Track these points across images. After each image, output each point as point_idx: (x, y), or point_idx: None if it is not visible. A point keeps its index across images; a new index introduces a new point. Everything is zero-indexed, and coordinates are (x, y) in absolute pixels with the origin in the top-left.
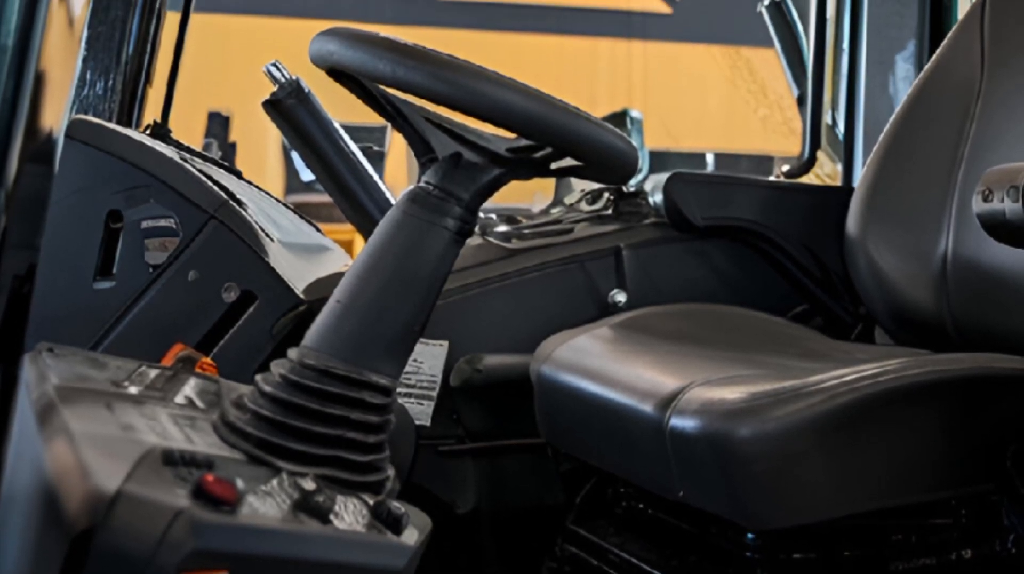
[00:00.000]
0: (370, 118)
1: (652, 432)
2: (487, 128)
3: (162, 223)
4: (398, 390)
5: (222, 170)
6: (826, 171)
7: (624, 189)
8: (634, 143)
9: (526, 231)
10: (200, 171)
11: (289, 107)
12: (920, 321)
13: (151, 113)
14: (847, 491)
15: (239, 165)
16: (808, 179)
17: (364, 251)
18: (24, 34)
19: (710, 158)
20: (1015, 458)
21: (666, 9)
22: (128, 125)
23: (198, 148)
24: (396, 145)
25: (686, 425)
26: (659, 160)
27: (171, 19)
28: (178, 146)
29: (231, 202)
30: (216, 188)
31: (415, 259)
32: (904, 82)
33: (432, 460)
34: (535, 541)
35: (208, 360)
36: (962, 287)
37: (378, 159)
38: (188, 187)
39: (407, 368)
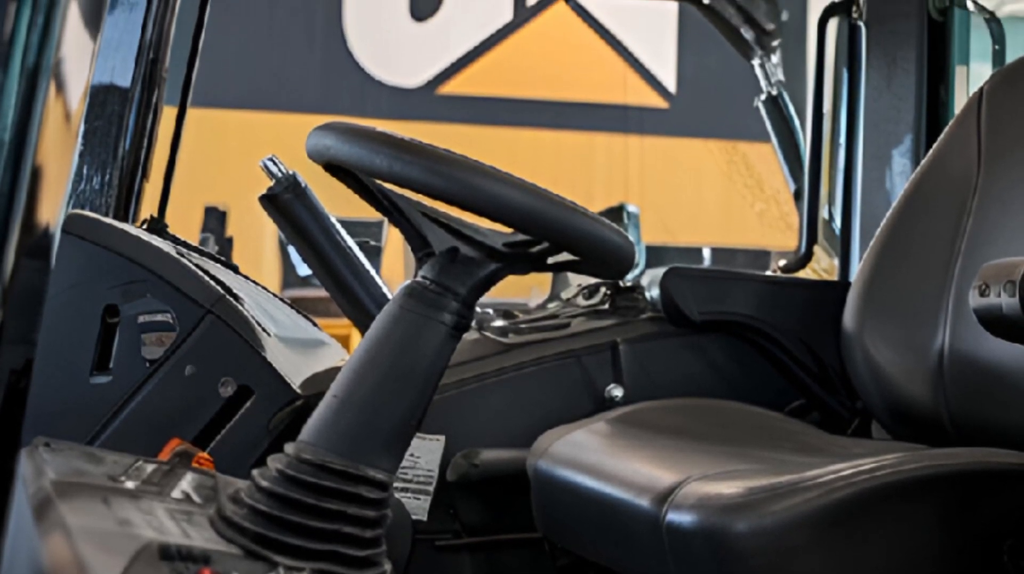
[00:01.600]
0: (367, 213)
1: (649, 527)
2: (484, 223)
3: (159, 318)
4: (395, 485)
5: (219, 265)
6: (823, 266)
7: (621, 284)
8: (631, 238)
9: (523, 326)
10: (197, 266)
11: (286, 202)
12: (917, 416)
13: (148, 208)
14: None
15: (236, 260)
16: (805, 274)
17: (361, 346)
18: (21, 128)
19: (707, 253)
20: (1012, 553)
21: (663, 104)
22: (125, 220)
23: (195, 243)
24: (393, 240)
25: (683, 520)
26: (656, 255)
27: (168, 114)
28: (175, 241)
29: (228, 297)
30: (213, 283)
31: (412, 354)
32: (901, 177)
33: (429, 555)
34: None
35: (205, 455)
36: (959, 382)
37: (375, 254)
38: (185, 282)
39: (404, 463)
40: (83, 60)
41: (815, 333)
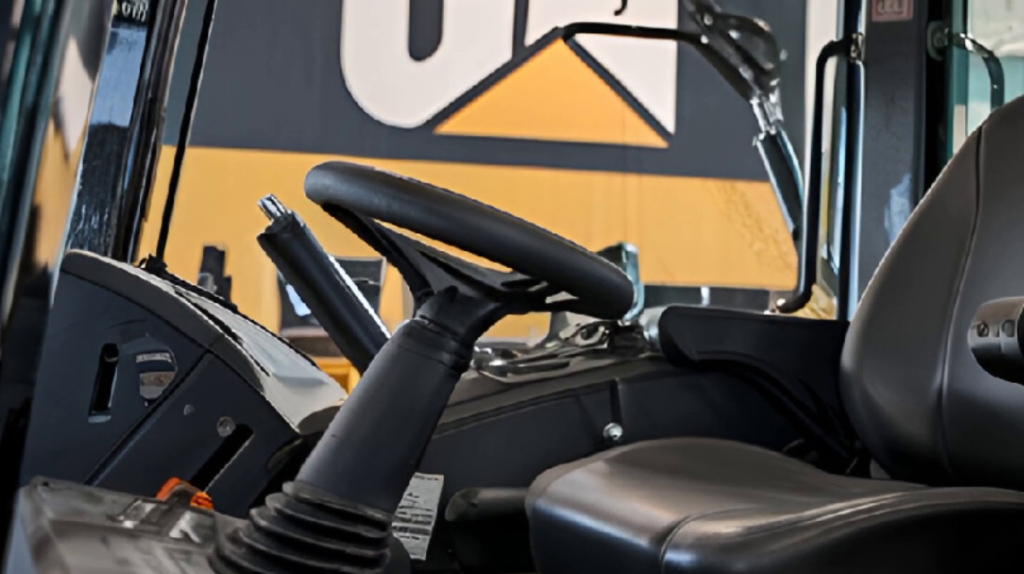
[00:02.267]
0: (366, 252)
1: (647, 566)
2: (483, 262)
3: (157, 357)
4: (393, 524)
5: (217, 304)
6: (821, 305)
7: (619, 323)
8: (629, 277)
9: (521, 365)
10: (195, 305)
11: (284, 241)
12: (915, 455)
13: (146, 247)
14: None
15: (234, 299)
16: (803, 313)
17: (359, 385)
18: (20, 168)
19: (705, 292)
20: None
21: (662, 143)
22: (123, 259)
23: (193, 282)
24: (391, 279)
25: (681, 559)
26: (654, 294)
27: (166, 153)
28: (173, 280)
29: (226, 336)
30: (211, 322)
31: (411, 393)
32: (899, 216)
33: None
34: None
35: (203, 494)
36: (957, 421)
37: (374, 293)
38: (183, 321)
39: (402, 502)
40: (82, 99)
41: (814, 372)
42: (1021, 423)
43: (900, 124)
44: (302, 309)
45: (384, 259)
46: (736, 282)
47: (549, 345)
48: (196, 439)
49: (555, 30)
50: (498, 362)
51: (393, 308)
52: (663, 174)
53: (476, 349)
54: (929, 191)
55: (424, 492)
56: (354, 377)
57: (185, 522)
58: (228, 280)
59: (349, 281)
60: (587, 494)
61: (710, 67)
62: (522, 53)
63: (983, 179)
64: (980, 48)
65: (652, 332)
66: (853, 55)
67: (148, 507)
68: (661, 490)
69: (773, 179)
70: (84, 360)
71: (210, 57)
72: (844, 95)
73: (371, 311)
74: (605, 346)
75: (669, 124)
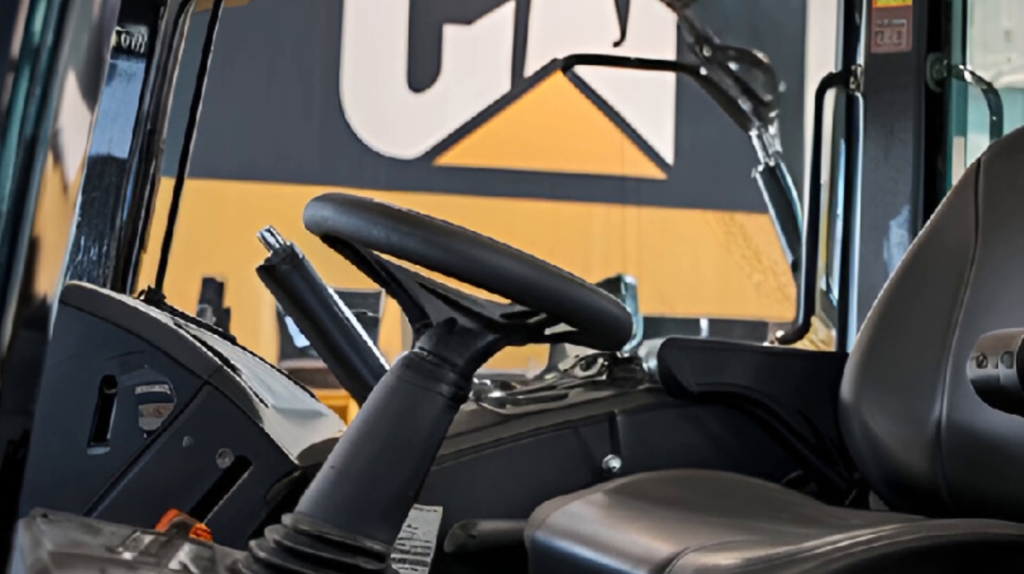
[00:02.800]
0: (365, 283)
1: None
2: (482, 294)
3: (156, 389)
4: (392, 556)
5: (216, 336)
6: (820, 337)
7: (618, 355)
8: (628, 309)
9: (520, 397)
10: (194, 337)
11: (283, 273)
12: (914, 487)
13: (145, 279)
14: None
15: (233, 331)
16: (802, 345)
17: (358, 417)
18: (19, 200)
19: (704, 324)
20: None
21: (661, 175)
22: (122, 291)
23: (192, 314)
24: (390, 311)
25: None
26: (653, 326)
27: (165, 185)
28: (172, 312)
29: (225, 368)
30: (210, 354)
31: (409, 425)
32: (898, 248)
33: None
34: None
35: (202, 526)
36: (956, 453)
37: (372, 325)
38: (182, 353)
39: (401, 534)
40: (81, 131)
41: (813, 404)
42: (1020, 455)
43: (899, 156)
44: (301, 341)
45: (383, 291)
46: (735, 314)
47: (548, 377)
48: (195, 471)
49: (554, 62)
50: (497, 394)
51: (392, 340)
52: (662, 205)
53: (475, 380)
54: (928, 223)
55: (423, 524)
56: (353, 409)
57: (184, 554)
58: (227, 311)
59: (348, 313)
60: (586, 526)
61: (709, 99)
62: (521, 85)
63: (982, 210)
64: (979, 80)
65: (651, 364)
66: (852, 87)
67: (147, 539)
68: (660, 522)
69: (772, 211)
70: (83, 392)
71: (209, 88)
72: (843, 127)
73: (370, 343)
74: (604, 378)
75: (668, 156)
